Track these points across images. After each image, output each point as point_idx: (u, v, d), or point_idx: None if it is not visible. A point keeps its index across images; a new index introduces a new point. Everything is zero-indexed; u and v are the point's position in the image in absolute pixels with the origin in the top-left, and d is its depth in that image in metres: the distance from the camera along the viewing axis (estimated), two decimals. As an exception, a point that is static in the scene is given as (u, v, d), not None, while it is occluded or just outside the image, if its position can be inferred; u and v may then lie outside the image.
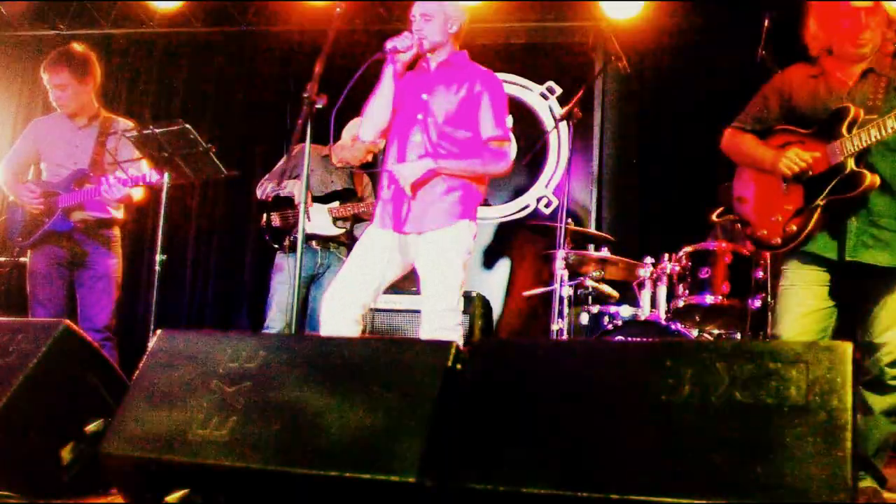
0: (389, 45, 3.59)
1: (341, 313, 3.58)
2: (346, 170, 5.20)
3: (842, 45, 3.12)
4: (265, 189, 5.15)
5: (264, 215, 5.10)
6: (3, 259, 5.74)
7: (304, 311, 5.11)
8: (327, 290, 3.69)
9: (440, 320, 3.55)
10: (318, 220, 4.99)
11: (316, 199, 4.99)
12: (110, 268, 4.57)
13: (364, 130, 3.80)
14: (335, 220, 4.99)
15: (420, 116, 3.67)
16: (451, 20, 3.69)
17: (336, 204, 5.00)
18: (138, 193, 4.53)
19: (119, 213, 4.65)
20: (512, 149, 3.71)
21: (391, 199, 3.68)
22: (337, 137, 5.20)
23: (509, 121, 3.74)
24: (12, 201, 4.65)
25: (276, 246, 5.08)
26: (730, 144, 3.35)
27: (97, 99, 4.69)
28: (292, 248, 5.01)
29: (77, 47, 4.61)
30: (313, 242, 5.00)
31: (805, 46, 3.24)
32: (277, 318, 4.99)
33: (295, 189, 5.00)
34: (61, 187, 4.50)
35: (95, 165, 4.50)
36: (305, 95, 3.48)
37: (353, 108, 3.85)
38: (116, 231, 4.65)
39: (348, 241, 5.11)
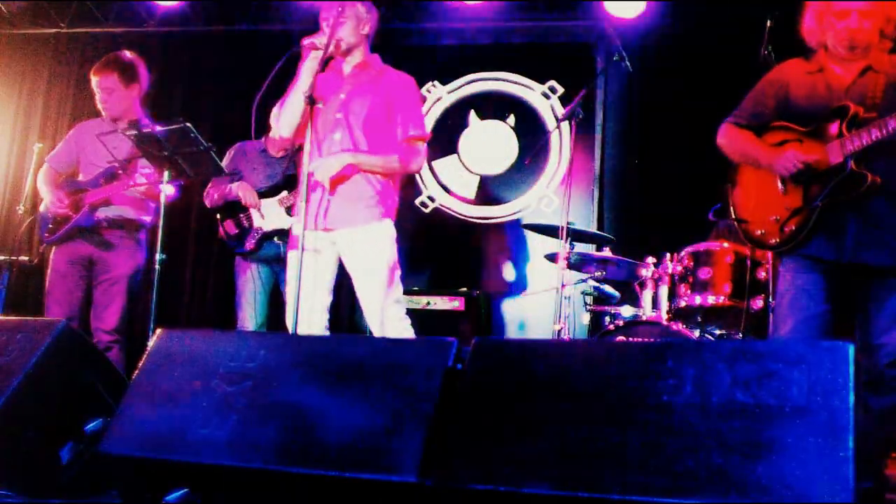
0: (307, 41, 3.63)
1: (311, 327, 3.60)
2: (288, 158, 5.07)
3: (835, 44, 3.11)
4: (212, 197, 5.07)
5: (219, 227, 5.04)
6: (2, 258, 5.75)
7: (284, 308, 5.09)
8: (287, 311, 3.65)
9: (388, 311, 3.60)
10: (272, 215, 4.92)
11: (263, 195, 4.92)
12: (130, 270, 4.63)
13: (281, 126, 3.79)
14: (288, 209, 4.89)
15: (339, 115, 3.71)
16: (363, 22, 3.77)
17: (284, 193, 4.90)
18: (170, 190, 4.51)
19: (146, 217, 4.71)
20: (424, 148, 3.78)
21: (314, 198, 3.67)
22: (267, 128, 5.18)
23: (427, 121, 3.79)
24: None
25: (240, 251, 5.01)
26: (725, 140, 3.32)
27: (142, 106, 4.81)
28: (254, 251, 4.96)
29: (127, 54, 4.78)
30: (275, 238, 4.95)
31: (803, 41, 3.23)
32: (248, 317, 4.98)
33: (240, 191, 4.92)
34: (90, 184, 4.61)
35: (128, 165, 4.57)
36: (306, 94, 3.48)
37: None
38: (142, 235, 4.73)
39: None
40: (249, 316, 4.97)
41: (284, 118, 3.76)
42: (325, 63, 3.76)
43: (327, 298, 3.70)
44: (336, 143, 3.70)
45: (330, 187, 3.64)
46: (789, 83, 3.20)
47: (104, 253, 4.61)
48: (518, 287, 6.38)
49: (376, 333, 3.60)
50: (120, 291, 4.59)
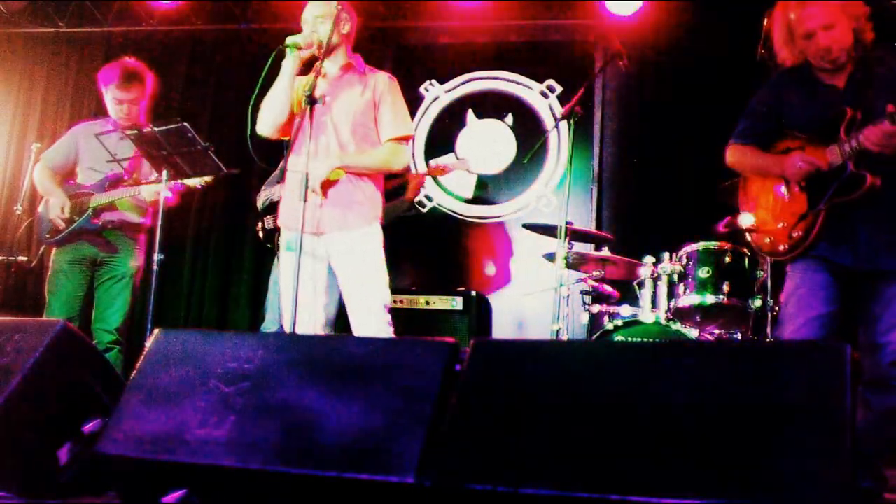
0: (290, 40, 3.61)
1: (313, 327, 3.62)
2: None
3: (816, 62, 3.13)
4: (262, 196, 5.21)
5: (259, 221, 5.14)
6: (1, 258, 5.74)
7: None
8: (284, 319, 3.61)
9: (376, 317, 3.59)
10: None
11: None
12: (133, 271, 4.69)
13: (262, 125, 3.78)
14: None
15: (325, 118, 3.69)
16: (343, 21, 3.73)
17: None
18: (169, 195, 4.48)
19: (146, 220, 4.75)
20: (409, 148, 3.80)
21: (302, 201, 3.61)
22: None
23: (412, 122, 3.81)
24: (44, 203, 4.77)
25: (269, 245, 5.11)
26: (734, 159, 3.38)
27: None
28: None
29: (136, 63, 4.87)
30: None
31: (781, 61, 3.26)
32: (269, 318, 5.01)
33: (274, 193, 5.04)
34: (95, 188, 4.64)
35: (133, 171, 4.63)
36: (306, 94, 3.48)
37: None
38: (142, 237, 4.77)
39: None
40: (269, 318, 5.02)
41: (266, 117, 3.75)
42: (310, 65, 3.75)
43: (331, 309, 3.70)
44: (324, 146, 3.69)
45: (323, 192, 3.62)
46: (782, 95, 3.24)
47: (108, 254, 4.65)
48: (516, 287, 6.38)
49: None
50: (122, 292, 4.64)
